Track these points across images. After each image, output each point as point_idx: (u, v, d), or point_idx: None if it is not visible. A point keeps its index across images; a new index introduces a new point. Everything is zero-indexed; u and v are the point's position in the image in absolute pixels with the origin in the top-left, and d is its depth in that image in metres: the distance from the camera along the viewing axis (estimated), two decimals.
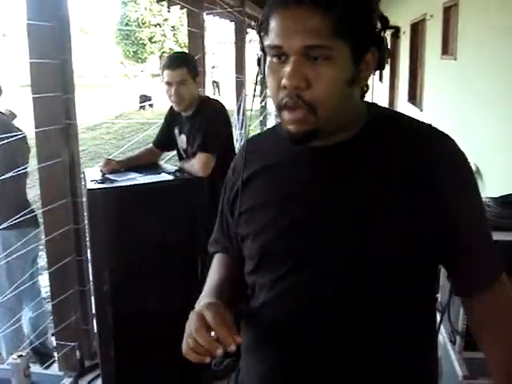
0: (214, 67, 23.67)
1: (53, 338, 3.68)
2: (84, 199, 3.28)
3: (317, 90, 1.11)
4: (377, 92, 16.89)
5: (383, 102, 14.42)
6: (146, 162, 3.38)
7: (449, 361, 2.55)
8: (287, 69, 1.10)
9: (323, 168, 1.21)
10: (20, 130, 3.63)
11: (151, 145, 3.60)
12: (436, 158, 1.18)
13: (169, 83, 3.17)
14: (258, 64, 1.22)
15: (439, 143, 1.22)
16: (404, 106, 10.71)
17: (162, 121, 3.63)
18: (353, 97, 1.18)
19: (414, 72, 9.97)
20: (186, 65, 3.19)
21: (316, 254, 1.20)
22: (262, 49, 1.18)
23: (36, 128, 3.14)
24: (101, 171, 3.12)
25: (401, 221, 1.15)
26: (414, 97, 9.82)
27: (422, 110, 8.60)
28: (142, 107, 19.68)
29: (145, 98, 19.76)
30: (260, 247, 1.27)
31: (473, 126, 5.41)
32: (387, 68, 13.71)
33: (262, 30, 1.16)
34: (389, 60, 1.23)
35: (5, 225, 3.32)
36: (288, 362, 1.26)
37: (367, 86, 1.25)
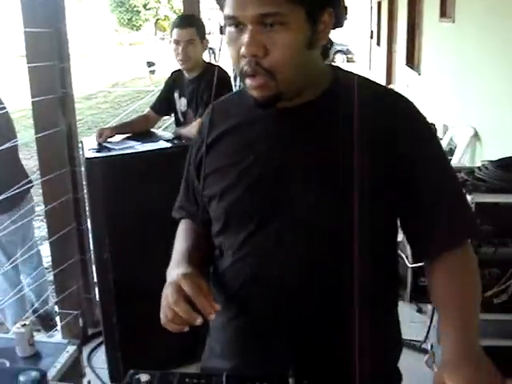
0: (209, 33, 23.47)
1: (56, 307, 3.72)
2: (82, 168, 3.28)
3: (274, 56, 1.13)
4: (374, 56, 16.77)
5: (381, 67, 14.32)
6: (141, 128, 3.38)
7: None
8: (244, 38, 1.13)
9: (286, 127, 1.24)
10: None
11: (148, 109, 3.59)
12: (394, 115, 1.22)
13: (177, 41, 3.19)
14: (221, 32, 1.25)
15: (396, 102, 1.26)
16: (402, 70, 10.65)
17: (161, 87, 3.63)
18: (313, 59, 1.21)
19: (411, 36, 9.88)
20: (194, 25, 3.23)
21: (281, 211, 1.23)
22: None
23: (32, 98, 3.13)
24: (97, 142, 3.11)
25: (362, 177, 1.17)
26: (411, 61, 9.75)
27: (419, 74, 8.56)
28: (152, 72, 19.56)
29: (150, 64, 19.69)
30: (226, 207, 1.29)
31: (471, 90, 5.39)
32: (384, 32, 13.60)
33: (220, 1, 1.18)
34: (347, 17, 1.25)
35: None
36: (259, 317, 1.29)
37: (331, 43, 1.28)
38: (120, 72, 20.86)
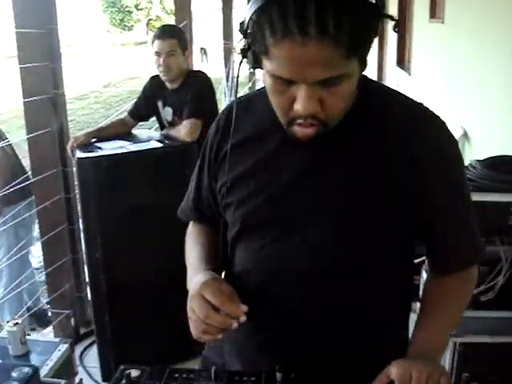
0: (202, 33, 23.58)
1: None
2: (74, 168, 3.30)
3: (333, 109, 1.07)
4: None
5: (372, 67, 14.36)
6: (118, 133, 3.34)
7: None
8: (300, 95, 1.04)
9: (312, 144, 1.15)
10: None
11: (126, 115, 3.57)
12: (423, 135, 1.18)
13: (158, 53, 3.20)
14: (245, 36, 1.08)
15: (426, 120, 1.22)
16: (392, 71, 10.68)
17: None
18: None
19: (402, 36, 9.90)
20: (176, 36, 3.23)
21: (300, 227, 1.20)
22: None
23: (24, 98, 3.14)
24: (71, 149, 3.10)
25: (385, 197, 1.17)
26: (402, 61, 9.79)
27: (410, 74, 8.59)
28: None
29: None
30: (242, 216, 1.26)
31: (461, 90, 5.43)
32: None
33: (256, 43, 1.05)
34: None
35: None
36: (276, 325, 1.27)
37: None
38: (112, 72, 20.79)
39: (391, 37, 11.14)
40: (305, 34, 0.95)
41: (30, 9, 3.07)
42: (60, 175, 3.32)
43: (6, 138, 3.73)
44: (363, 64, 1.08)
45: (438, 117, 1.23)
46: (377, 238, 1.19)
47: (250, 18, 1.02)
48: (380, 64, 13.11)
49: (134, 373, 1.19)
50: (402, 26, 9.80)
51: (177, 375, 1.18)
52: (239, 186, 1.26)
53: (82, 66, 20.57)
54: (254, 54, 1.07)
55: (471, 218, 1.29)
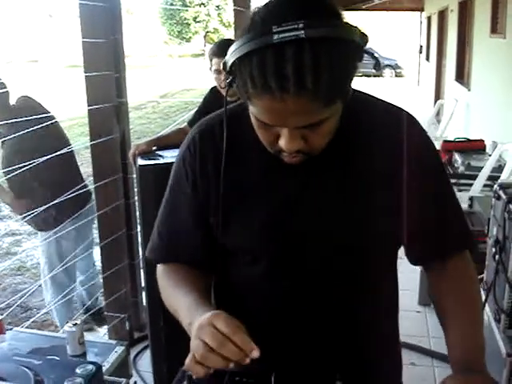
0: None
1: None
2: (134, 175, 3.37)
3: (316, 143, 1.10)
4: (423, 71, 16.62)
5: (430, 81, 14.20)
6: (178, 141, 3.39)
7: (493, 339, 2.57)
8: (283, 134, 1.07)
9: (301, 167, 1.18)
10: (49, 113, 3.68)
11: (185, 124, 3.61)
12: (406, 137, 1.21)
13: (218, 71, 3.16)
14: (230, 85, 1.12)
15: (407, 123, 1.25)
16: (451, 85, 10.55)
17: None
18: None
19: (461, 51, 9.79)
20: None
21: (296, 247, 1.23)
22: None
23: (88, 106, 3.23)
24: (132, 157, 3.15)
25: (379, 203, 1.20)
26: (461, 76, 9.66)
27: (469, 90, 8.47)
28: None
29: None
30: (241, 240, 1.27)
31: None
32: (434, 47, 13.46)
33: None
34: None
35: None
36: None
37: None
38: (169, 83, 21.10)
39: (450, 51, 11.02)
40: (283, 91, 0.96)
41: (96, 19, 3.14)
42: (121, 181, 3.40)
43: (69, 144, 3.80)
44: (346, 98, 1.07)
45: (414, 117, 1.28)
46: (376, 245, 1.23)
47: (234, 62, 1.04)
48: (438, 78, 12.98)
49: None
50: (462, 41, 9.69)
51: (237, 378, 1.19)
52: (233, 210, 1.25)
53: (140, 77, 20.95)
54: (238, 88, 1.09)
55: (458, 206, 1.32)
